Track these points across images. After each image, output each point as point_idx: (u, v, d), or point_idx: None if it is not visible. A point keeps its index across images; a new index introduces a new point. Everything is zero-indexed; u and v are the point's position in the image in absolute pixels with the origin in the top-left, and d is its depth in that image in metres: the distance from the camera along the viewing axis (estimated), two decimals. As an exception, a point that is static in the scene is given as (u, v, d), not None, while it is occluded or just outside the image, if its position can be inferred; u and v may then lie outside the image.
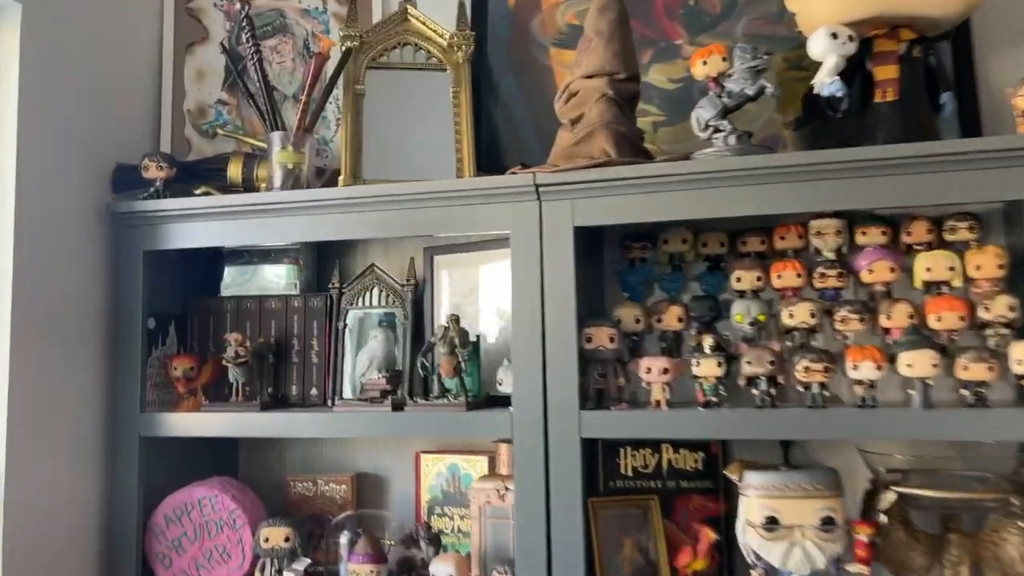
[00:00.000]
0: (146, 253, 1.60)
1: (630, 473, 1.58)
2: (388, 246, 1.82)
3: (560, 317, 1.38)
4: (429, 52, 1.69)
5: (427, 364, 1.52)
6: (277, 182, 1.55)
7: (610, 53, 1.46)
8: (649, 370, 1.39)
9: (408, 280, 1.66)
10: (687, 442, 1.56)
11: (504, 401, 1.49)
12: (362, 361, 1.55)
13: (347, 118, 1.59)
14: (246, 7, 1.60)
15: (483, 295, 1.64)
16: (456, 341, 1.49)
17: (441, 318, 1.66)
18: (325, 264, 1.81)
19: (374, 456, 1.79)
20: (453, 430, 1.45)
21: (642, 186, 1.36)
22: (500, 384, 1.43)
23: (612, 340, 1.40)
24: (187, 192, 1.65)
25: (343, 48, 1.62)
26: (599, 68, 1.47)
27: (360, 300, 1.69)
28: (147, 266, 1.60)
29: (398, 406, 1.49)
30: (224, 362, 1.61)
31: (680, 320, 1.48)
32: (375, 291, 1.69)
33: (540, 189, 1.40)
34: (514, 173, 1.44)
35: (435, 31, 1.69)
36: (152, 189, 1.60)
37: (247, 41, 1.58)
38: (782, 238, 1.50)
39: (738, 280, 1.49)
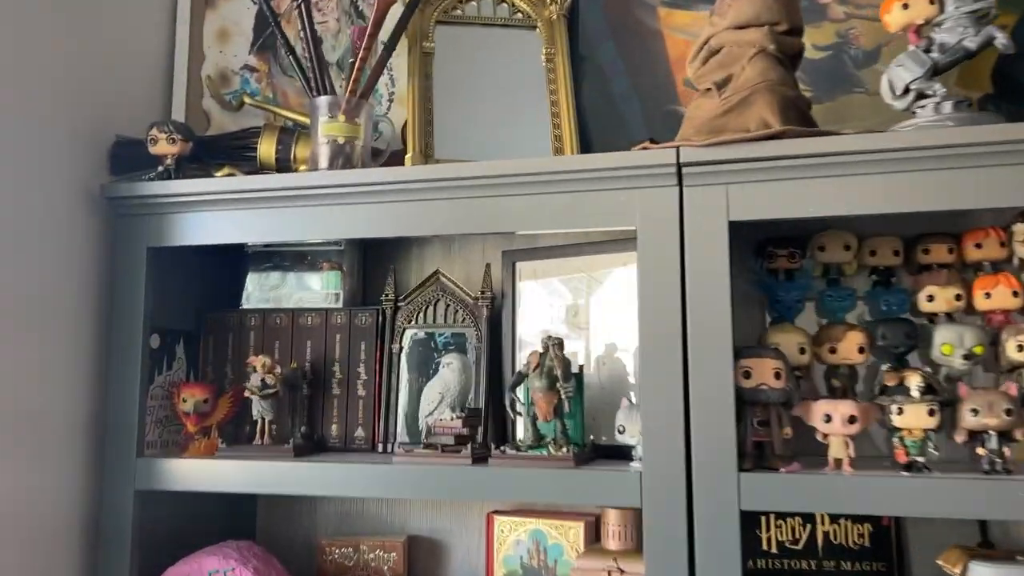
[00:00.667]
0: (151, 251, 1.24)
1: (775, 550, 1.21)
2: (453, 249, 1.45)
3: (709, 344, 1.02)
4: (514, 5, 1.34)
5: (520, 401, 1.15)
6: (324, 161, 1.20)
7: (771, -4, 1.11)
8: (829, 418, 1.02)
9: (483, 292, 1.30)
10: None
11: (618, 453, 1.13)
12: (430, 395, 1.18)
13: (413, 83, 1.24)
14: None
15: (583, 312, 1.27)
16: (557, 373, 1.12)
17: (524, 340, 1.30)
18: (374, 270, 1.45)
19: (432, 515, 1.42)
20: (558, 492, 1.08)
21: (827, 167, 1.00)
22: (621, 431, 1.07)
23: (778, 376, 1.04)
24: (205, 174, 1.29)
25: (409, -4, 1.27)
26: (754, 16, 1.11)
27: (420, 317, 1.33)
28: (151, 267, 1.24)
29: (480, 457, 1.12)
30: (247, 393, 1.25)
31: (861, 351, 1.11)
32: (440, 306, 1.33)
33: (684, 171, 1.04)
34: (645, 148, 1.08)
35: (521, -21, 1.34)
36: (161, 168, 1.24)
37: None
38: (977, 246, 1.14)
39: (930, 299, 1.12)
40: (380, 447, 1.29)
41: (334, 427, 1.32)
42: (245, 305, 1.39)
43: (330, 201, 1.17)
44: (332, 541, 1.39)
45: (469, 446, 1.12)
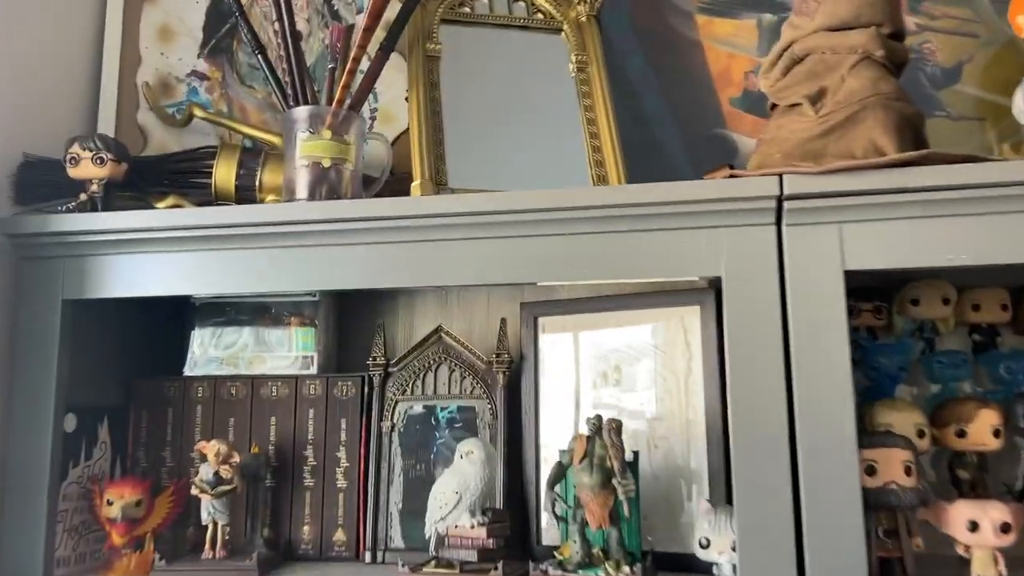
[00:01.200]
0: (68, 304, 0.94)
1: None
2: (451, 299, 1.19)
3: (825, 431, 0.77)
4: (533, 3, 1.09)
5: (562, 502, 0.89)
6: (302, 189, 0.92)
7: (873, -9, 0.90)
8: (975, 525, 0.79)
9: (498, 354, 1.04)
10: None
11: (684, 564, 0.88)
12: (444, 494, 0.90)
13: (417, 92, 0.98)
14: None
15: (624, 380, 1.02)
16: (613, 465, 0.87)
17: (550, 415, 1.04)
18: (353, 326, 1.17)
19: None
20: (625, 631, 0.81)
21: (975, 203, 0.77)
22: (705, 546, 0.81)
23: (909, 472, 0.80)
24: (143, 205, 1.00)
25: (408, -15, 1.02)
26: (853, 16, 0.89)
27: (417, 386, 1.06)
28: (68, 325, 0.94)
29: (516, 581, 0.85)
30: (194, 490, 0.95)
31: (997, 434, 0.88)
32: (442, 371, 1.06)
33: (786, 205, 0.80)
34: (733, 175, 0.84)
35: (541, -26, 1.10)
36: (84, 197, 0.95)
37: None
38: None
39: (1065, 366, 0.91)
40: (367, 556, 1.01)
41: (306, 529, 1.03)
42: (190, 371, 1.09)
43: (311, 241, 0.89)
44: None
45: (500, 567, 0.85)
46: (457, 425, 1.05)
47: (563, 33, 1.08)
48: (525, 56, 1.07)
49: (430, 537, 0.93)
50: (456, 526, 0.89)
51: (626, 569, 0.84)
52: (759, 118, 1.16)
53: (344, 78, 0.93)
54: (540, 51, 1.08)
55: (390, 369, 1.06)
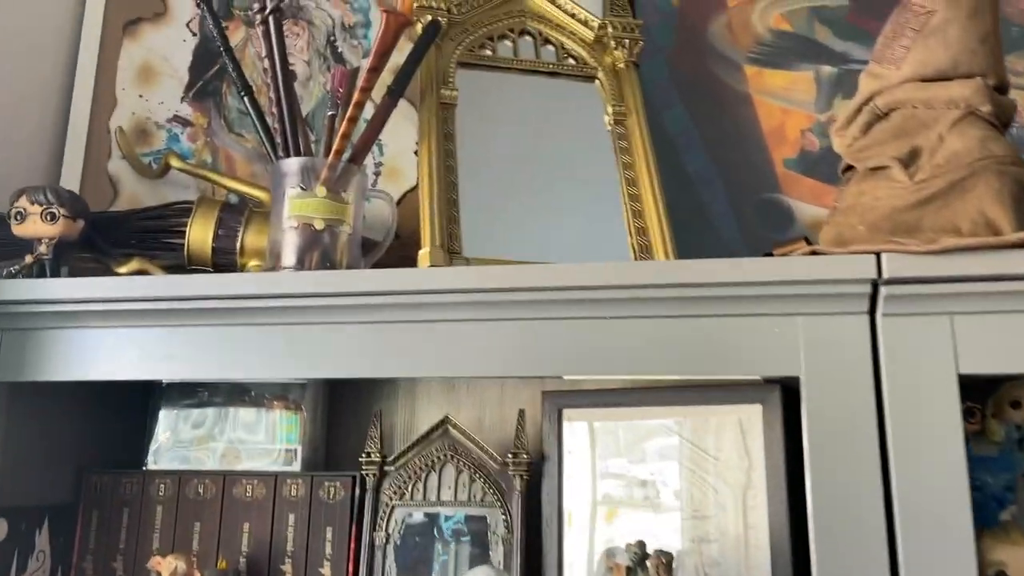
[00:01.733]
0: (3, 387, 0.78)
1: None
2: (458, 383, 1.03)
3: (937, 572, 0.61)
4: (563, 47, 0.96)
5: (597, 655, 0.71)
6: (290, 255, 0.77)
7: (975, 38, 0.75)
8: None
9: (515, 454, 0.88)
10: None
11: None
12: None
13: (428, 145, 0.83)
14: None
15: (669, 492, 0.85)
16: (662, 607, 0.70)
17: (576, 532, 0.87)
18: (346, 413, 1.01)
19: None
20: None
21: None
22: None
23: (1045, 632, 0.63)
24: (102, 269, 0.85)
25: (422, 22, 0.88)
26: (951, 65, 0.75)
27: (418, 489, 0.89)
28: (2, 411, 0.78)
29: None
30: (145, 618, 0.78)
31: None
32: (448, 472, 0.90)
33: (883, 291, 0.65)
34: (815, 251, 0.69)
35: (572, 14, 0.97)
36: (28, 260, 0.79)
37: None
38: None
39: None
40: None
41: (281, 661, 0.86)
42: (152, 464, 0.93)
43: (297, 319, 0.74)
44: None
45: None
46: (464, 538, 0.88)
47: (597, 81, 0.94)
48: (554, 106, 0.93)
49: None
50: (467, 676, 0.72)
51: None
52: (818, 182, 1.02)
53: (344, 126, 0.78)
54: (571, 100, 0.93)
55: (386, 468, 0.90)
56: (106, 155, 0.99)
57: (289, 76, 0.79)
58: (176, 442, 0.93)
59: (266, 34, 0.78)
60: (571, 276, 0.69)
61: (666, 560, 0.70)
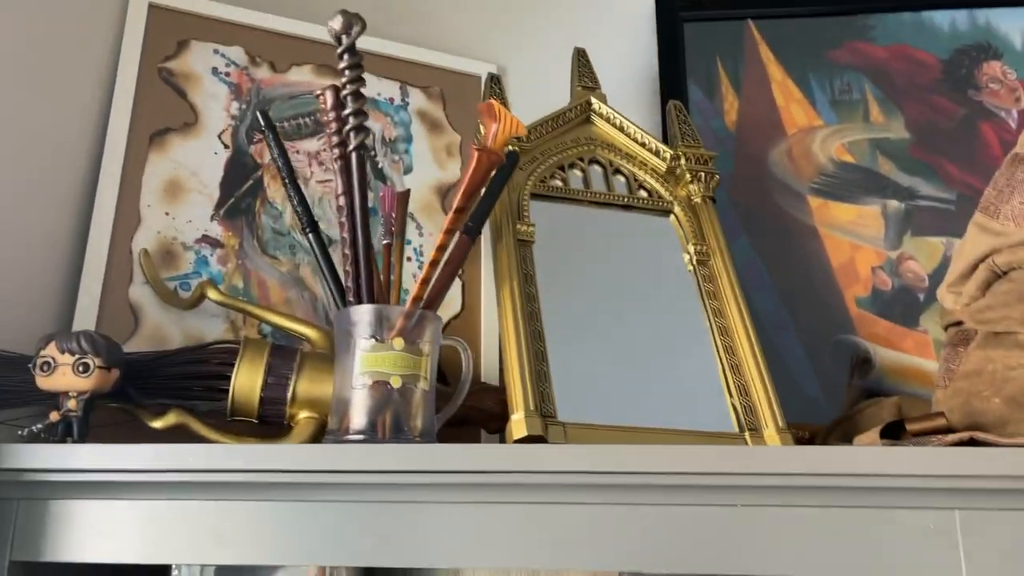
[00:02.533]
0: (16, 567, 0.66)
1: None
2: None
3: None
4: (636, 178, 0.90)
5: None
6: (359, 416, 0.68)
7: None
8: None
9: (593, 633, 0.78)
10: None
11: None
12: None
13: (511, 289, 0.76)
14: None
15: None
16: None
17: None
18: None
19: None
20: None
21: None
22: None
23: None
24: (126, 418, 0.75)
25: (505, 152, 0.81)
26: (1083, 222, 0.71)
27: (482, 672, 0.78)
28: (11, 597, 0.66)
29: None
30: None
31: None
32: None
33: (1059, 488, 0.58)
34: (974, 438, 0.62)
35: (643, 143, 0.92)
36: (54, 417, 0.69)
37: (337, 108, 0.73)
38: None
39: None
40: None
41: None
42: (170, 639, 0.81)
43: (371, 497, 0.64)
44: None
45: None
46: None
47: (673, 216, 0.88)
48: (628, 242, 0.87)
49: None
50: None
51: None
52: (894, 324, 0.96)
53: (425, 270, 0.70)
54: (645, 237, 0.87)
55: (446, 648, 0.79)
56: (127, 280, 0.89)
57: (367, 215, 0.71)
58: (197, 612, 0.81)
59: (345, 169, 0.70)
60: (707, 461, 0.61)
61: None
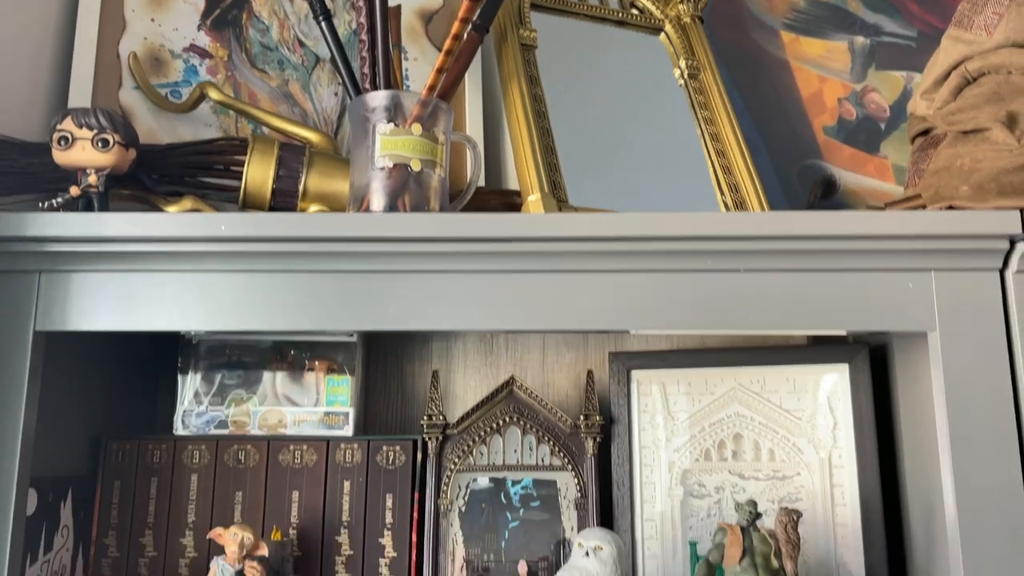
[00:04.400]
0: (41, 338, 0.68)
1: None
2: (496, 344, 0.99)
3: (1075, 528, 0.62)
4: (627, -3, 0.92)
5: (722, 617, 0.69)
6: (378, 198, 0.70)
7: (1071, 4, 0.78)
8: None
9: (587, 415, 0.84)
10: None
11: None
12: (562, 605, 0.69)
13: (519, 88, 0.78)
14: None
15: (747, 454, 0.84)
16: (785, 566, 0.68)
17: (648, 498, 0.85)
18: (394, 369, 0.95)
19: None
20: None
21: None
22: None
23: None
24: (145, 210, 0.76)
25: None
26: (1046, 32, 0.77)
27: (482, 453, 0.84)
28: (37, 366, 0.67)
29: None
30: (207, 596, 0.70)
31: None
32: (514, 434, 0.85)
33: (1020, 248, 0.66)
34: (950, 207, 0.69)
35: (635, -36, 0.94)
36: (75, 192, 0.69)
37: None
38: None
39: None
40: (425, 676, 0.78)
41: (339, 640, 0.79)
42: (181, 429, 0.84)
43: (391, 266, 0.67)
44: None
45: None
46: (534, 504, 0.84)
47: (664, 34, 0.91)
48: (621, 57, 0.90)
49: (530, 657, 0.71)
50: (576, 648, 0.68)
51: None
52: (857, 150, 1.03)
53: (440, 60, 0.72)
54: (638, 52, 0.90)
55: (449, 431, 0.84)
56: (116, 84, 0.88)
57: (386, 1, 0.72)
58: (204, 406, 0.84)
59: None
60: (713, 225, 0.66)
61: (795, 518, 0.69)
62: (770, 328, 0.68)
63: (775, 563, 0.69)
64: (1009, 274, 0.66)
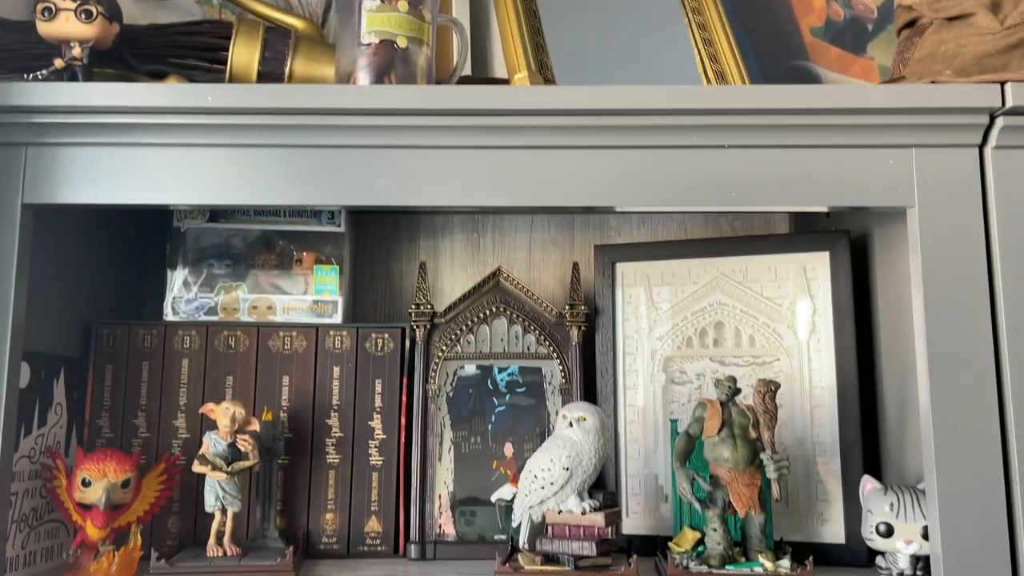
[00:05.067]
0: (29, 211, 0.68)
1: None
2: (483, 235, 1.00)
3: (1043, 393, 0.65)
4: None
5: (703, 481, 0.71)
6: (364, 75, 0.70)
7: None
8: None
9: (572, 305, 0.86)
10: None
11: (818, 556, 0.74)
12: (551, 469, 0.70)
13: (504, -35, 0.78)
14: None
15: (730, 340, 0.86)
16: (762, 435, 0.71)
17: (631, 384, 0.87)
18: (384, 255, 0.97)
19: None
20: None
21: None
22: (885, 533, 0.66)
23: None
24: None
25: None
26: (1030, -83, 0.77)
27: (469, 342, 0.86)
28: (27, 240, 0.68)
29: (654, 581, 0.68)
30: (200, 467, 0.72)
31: None
32: (501, 323, 0.87)
33: (1000, 122, 0.66)
34: (935, 81, 0.69)
35: None
36: (59, 64, 0.69)
37: None
38: None
39: None
40: (412, 550, 0.80)
41: (329, 518, 0.81)
42: (171, 315, 0.85)
43: (379, 140, 0.67)
44: None
45: (634, 563, 0.67)
46: (519, 390, 0.85)
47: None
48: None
49: (519, 526, 0.74)
50: (560, 511, 0.70)
51: (785, 563, 0.68)
52: (844, 51, 1.03)
53: (426, -65, 0.71)
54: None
55: (437, 319, 0.86)
56: (98, -30, 0.87)
57: None
58: (193, 295, 0.85)
59: None
60: (698, 98, 0.66)
61: (772, 388, 0.70)
62: (753, 205, 0.69)
63: (753, 434, 0.71)
64: (988, 150, 0.67)
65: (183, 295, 0.85)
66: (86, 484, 0.69)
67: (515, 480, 0.81)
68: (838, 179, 0.68)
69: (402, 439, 0.83)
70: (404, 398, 0.83)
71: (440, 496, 0.83)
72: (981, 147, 0.68)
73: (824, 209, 0.70)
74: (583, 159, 0.68)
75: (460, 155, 0.68)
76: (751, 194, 0.68)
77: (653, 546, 0.78)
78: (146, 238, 0.92)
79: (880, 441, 0.82)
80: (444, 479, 0.83)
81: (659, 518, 0.83)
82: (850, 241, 0.82)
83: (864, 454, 0.79)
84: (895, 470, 0.79)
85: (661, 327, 0.87)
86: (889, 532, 0.67)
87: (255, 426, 0.74)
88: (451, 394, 0.85)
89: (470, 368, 0.86)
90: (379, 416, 0.83)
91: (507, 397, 0.85)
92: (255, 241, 0.87)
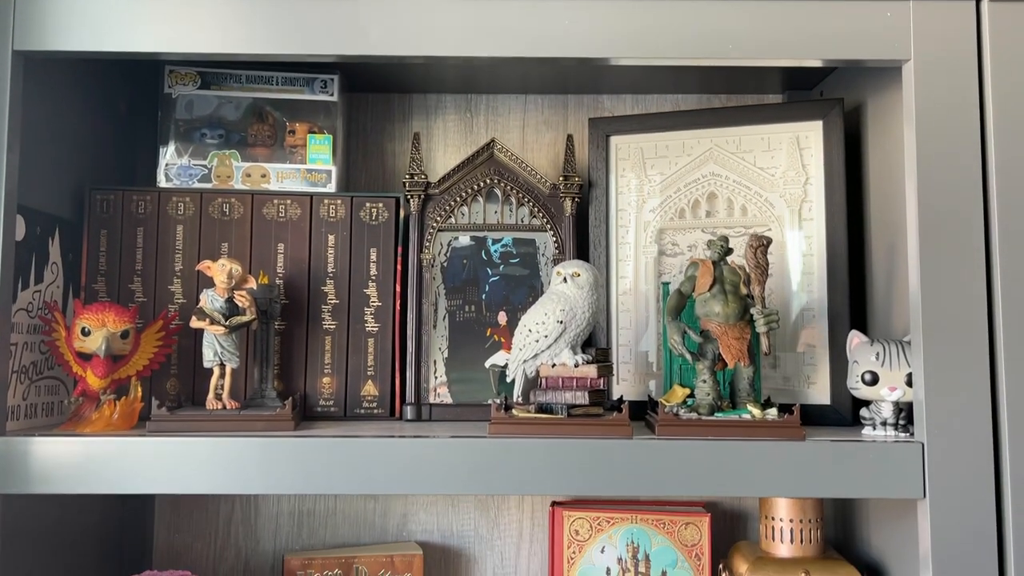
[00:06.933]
0: (20, 58, 0.67)
1: None
2: (505, 116, 1.00)
3: (1028, 244, 0.66)
4: None
5: (694, 333, 0.73)
6: (361, -76, 0.69)
7: None
8: None
9: (566, 177, 0.86)
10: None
11: (809, 412, 0.76)
12: (544, 323, 0.71)
13: None
14: None
15: (722, 210, 0.87)
16: (753, 290, 0.72)
17: (625, 255, 0.88)
18: (378, 136, 0.96)
19: (444, 510, 0.96)
20: (786, 481, 0.67)
21: None
22: (870, 382, 0.68)
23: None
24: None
25: None
26: None
27: (463, 213, 0.86)
28: (18, 88, 0.67)
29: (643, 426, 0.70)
30: (198, 322, 0.73)
31: None
32: (496, 195, 0.87)
33: (997, -27, 0.67)
34: (932, -61, 0.69)
35: None
36: (45, -95, 0.67)
37: None
38: None
39: None
40: (408, 412, 0.82)
41: (326, 382, 0.83)
42: (163, 182, 0.84)
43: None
44: (307, 558, 0.89)
45: (624, 408, 0.69)
46: (513, 260, 0.86)
47: None
48: None
49: (512, 380, 0.75)
50: (554, 365, 0.72)
51: (772, 411, 0.70)
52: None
53: None
54: None
55: (431, 190, 0.86)
56: None
57: None
58: (186, 163, 0.85)
59: None
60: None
61: (764, 243, 0.71)
62: (749, 59, 0.69)
63: (744, 291, 0.72)
64: (985, 3, 0.67)
65: (176, 162, 0.85)
66: (85, 333, 0.69)
67: (508, 347, 0.82)
68: (835, 31, 0.68)
69: (397, 306, 0.84)
70: (399, 267, 0.84)
71: (435, 362, 0.84)
72: (978, 0, 0.68)
73: (820, 63, 0.70)
74: (578, 9, 0.68)
75: (453, 5, 0.68)
76: (747, 47, 0.69)
77: (643, 410, 0.79)
78: (138, 109, 0.91)
79: (867, 306, 0.84)
80: (439, 345, 0.84)
81: (649, 389, 0.85)
82: (843, 112, 0.83)
83: (851, 319, 0.80)
84: (881, 333, 0.81)
85: (654, 199, 0.88)
86: (874, 380, 0.69)
87: (252, 283, 0.75)
88: (445, 264, 0.86)
89: (464, 239, 0.86)
90: (374, 284, 0.84)
91: (501, 268, 0.86)
92: (247, 111, 0.87)
